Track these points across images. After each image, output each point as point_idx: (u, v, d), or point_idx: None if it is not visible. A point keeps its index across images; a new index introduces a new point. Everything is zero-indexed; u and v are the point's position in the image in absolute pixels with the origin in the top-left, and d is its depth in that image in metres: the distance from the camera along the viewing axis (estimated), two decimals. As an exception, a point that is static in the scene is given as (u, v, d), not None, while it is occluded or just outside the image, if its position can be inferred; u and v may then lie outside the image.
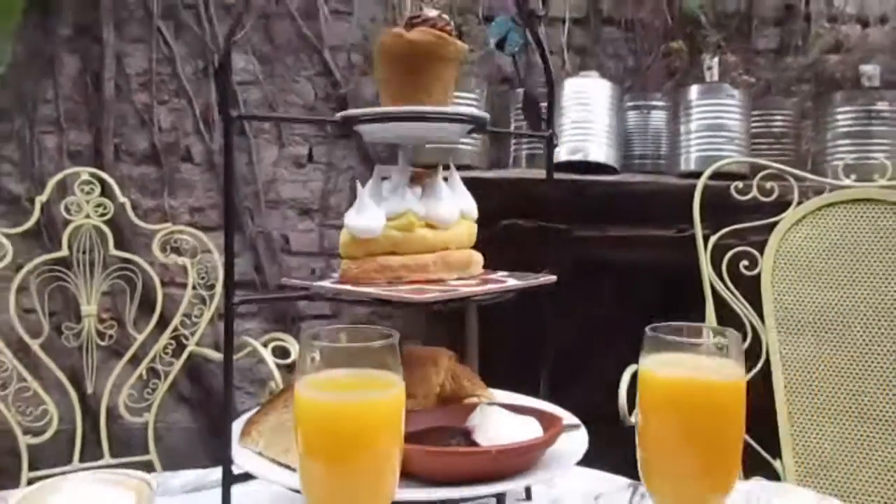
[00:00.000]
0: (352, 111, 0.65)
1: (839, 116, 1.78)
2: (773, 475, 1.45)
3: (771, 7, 2.15)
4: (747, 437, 1.41)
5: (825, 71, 1.81)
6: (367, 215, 0.63)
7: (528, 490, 0.79)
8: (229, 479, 0.63)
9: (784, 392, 1.49)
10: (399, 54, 0.64)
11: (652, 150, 1.97)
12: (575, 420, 0.73)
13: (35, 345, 1.57)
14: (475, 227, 0.74)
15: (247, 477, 0.62)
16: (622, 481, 0.87)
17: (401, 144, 0.72)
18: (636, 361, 0.52)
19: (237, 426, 0.69)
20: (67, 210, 1.60)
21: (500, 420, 0.64)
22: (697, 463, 0.50)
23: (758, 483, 1.28)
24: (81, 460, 1.56)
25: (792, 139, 1.94)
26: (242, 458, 0.64)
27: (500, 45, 1.92)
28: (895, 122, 1.76)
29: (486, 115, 0.71)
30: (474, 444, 0.62)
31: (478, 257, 0.71)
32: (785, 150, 1.91)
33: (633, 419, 1.16)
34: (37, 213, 1.59)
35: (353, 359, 0.49)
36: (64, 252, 1.61)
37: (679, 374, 0.50)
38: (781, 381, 1.49)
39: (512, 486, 0.60)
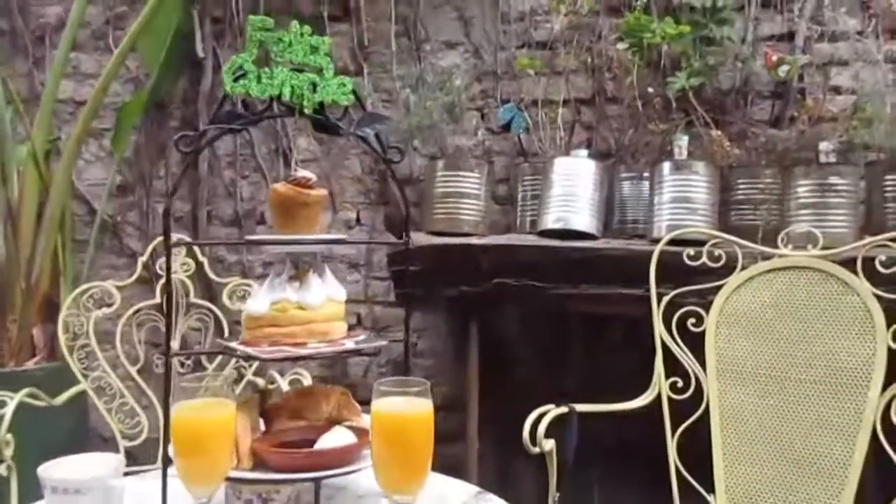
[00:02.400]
0: (252, 238, 1.05)
1: (799, 189, 1.96)
2: (708, 507, 1.67)
3: (766, 82, 2.34)
4: (686, 475, 1.65)
5: (789, 146, 1.99)
6: (257, 301, 1.02)
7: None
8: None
9: (720, 435, 1.70)
10: (276, 201, 1.03)
11: (641, 216, 2.22)
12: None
13: (133, 370, 2.08)
14: (342, 306, 1.10)
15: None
16: (472, 488, 1.18)
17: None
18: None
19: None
20: (160, 268, 2.10)
21: (336, 436, 1.00)
22: (397, 463, 0.83)
23: None
24: (163, 461, 2.04)
25: (773, 206, 2.12)
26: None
27: (507, 126, 2.30)
28: (849, 195, 1.92)
29: (340, 238, 1.08)
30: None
31: (340, 326, 1.07)
32: (759, 217, 2.09)
33: (535, 449, 1.44)
34: (139, 269, 2.11)
35: (204, 391, 0.87)
36: (157, 300, 2.12)
37: (385, 408, 0.84)
38: (718, 426, 1.70)
39: (313, 478, 0.94)
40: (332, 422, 1.11)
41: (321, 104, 1.05)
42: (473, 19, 2.51)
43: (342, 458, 0.96)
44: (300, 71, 1.03)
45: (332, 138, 2.57)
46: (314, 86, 1.04)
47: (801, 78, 2.30)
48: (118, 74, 2.52)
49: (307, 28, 1.04)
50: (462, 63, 2.51)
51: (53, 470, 0.97)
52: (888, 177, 2.03)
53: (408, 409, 0.83)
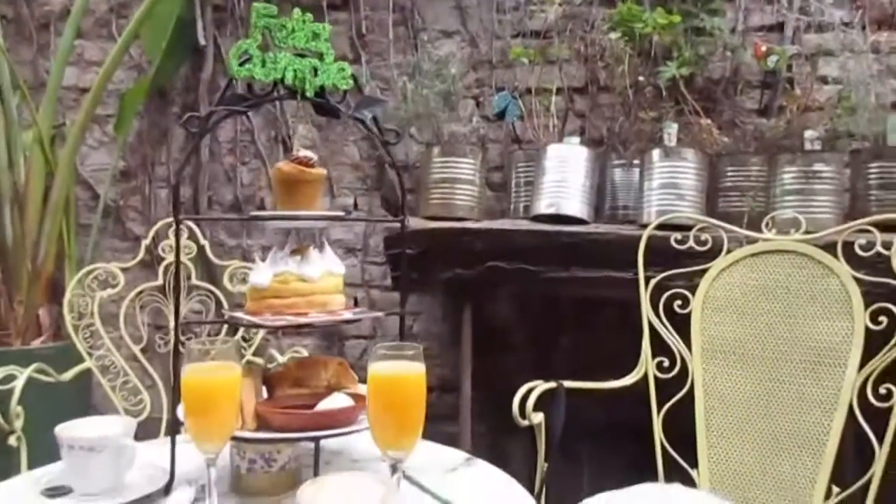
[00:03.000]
0: (257, 213, 1.11)
1: (784, 175, 2.02)
2: (691, 482, 1.73)
3: (756, 72, 2.40)
4: (671, 450, 1.71)
5: (776, 134, 2.06)
6: (261, 274, 1.08)
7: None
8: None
9: (703, 412, 1.76)
10: (279, 179, 1.09)
11: (632, 202, 2.28)
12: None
13: (136, 350, 2.14)
14: (340, 279, 1.16)
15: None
16: (461, 454, 1.25)
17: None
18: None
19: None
20: (163, 250, 2.16)
21: (335, 400, 1.06)
22: (392, 420, 0.89)
23: (657, 485, 1.61)
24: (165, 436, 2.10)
25: (759, 193, 2.18)
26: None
27: (502, 114, 2.35)
28: (833, 182, 1.98)
29: (337, 214, 1.14)
30: (312, 411, 1.05)
31: (338, 298, 1.13)
32: (746, 203, 2.15)
33: (524, 422, 1.51)
34: (142, 252, 2.16)
35: (212, 353, 0.93)
36: (160, 282, 2.17)
37: (381, 370, 0.90)
38: (702, 403, 1.76)
39: (313, 437, 1.00)
40: (331, 389, 1.17)
41: (322, 88, 1.11)
42: (470, 9, 2.56)
43: (340, 419, 1.02)
44: (302, 56, 1.09)
45: (330, 126, 2.63)
46: (315, 70, 1.09)
47: (789, 68, 2.36)
48: (121, 61, 2.57)
49: (309, 15, 1.10)
50: (458, 52, 2.56)
51: (69, 430, 1.03)
52: (872, 164, 2.09)
53: (402, 370, 0.89)
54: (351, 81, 1.13)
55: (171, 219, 2.21)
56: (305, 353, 2.08)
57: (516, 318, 2.49)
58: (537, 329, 2.49)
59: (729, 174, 2.22)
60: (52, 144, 2.49)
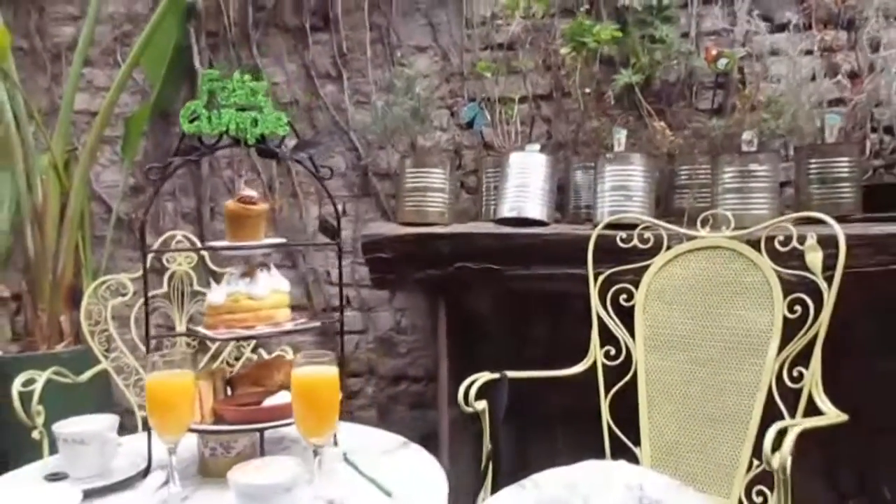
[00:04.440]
0: (211, 243, 1.33)
1: (724, 175, 2.18)
2: (635, 459, 1.91)
3: (710, 74, 2.54)
4: (615, 429, 1.90)
5: (719, 134, 2.21)
6: (216, 294, 1.30)
7: (335, 438, 1.41)
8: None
9: (646, 396, 1.94)
10: (227, 215, 1.31)
11: (592, 201, 2.44)
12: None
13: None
14: (286, 296, 1.37)
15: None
16: (399, 439, 1.47)
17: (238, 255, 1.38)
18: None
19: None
20: (167, 261, 2.40)
21: (279, 397, 1.28)
22: (311, 415, 1.11)
23: (602, 461, 1.80)
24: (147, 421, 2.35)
25: (703, 190, 2.33)
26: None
27: (471, 124, 2.54)
28: (768, 180, 2.13)
29: (279, 242, 1.35)
30: (261, 408, 1.27)
31: (284, 312, 1.35)
32: (701, 200, 2.30)
33: (469, 408, 1.71)
34: (149, 261, 2.41)
35: (170, 364, 1.15)
36: (165, 289, 2.42)
37: (301, 374, 1.11)
38: (644, 387, 1.95)
39: (256, 429, 1.22)
40: (283, 387, 1.39)
41: (262, 135, 1.32)
42: (440, 25, 2.74)
43: (280, 413, 1.24)
44: (243, 110, 1.30)
45: (317, 139, 2.84)
46: (256, 121, 1.31)
47: (740, 69, 2.49)
48: (126, 87, 2.81)
49: (247, 77, 1.31)
50: (432, 65, 2.75)
51: (64, 426, 1.27)
52: (812, 160, 2.23)
53: (318, 373, 1.11)
54: (287, 128, 1.34)
55: (174, 231, 2.47)
56: (290, 350, 2.31)
57: (487, 313, 2.69)
58: (507, 323, 2.69)
59: (681, 173, 2.38)
60: (66, 167, 2.75)
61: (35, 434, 1.87)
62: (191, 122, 1.25)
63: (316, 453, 1.12)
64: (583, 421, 2.48)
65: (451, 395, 2.48)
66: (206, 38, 2.88)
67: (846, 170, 2.17)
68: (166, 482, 1.23)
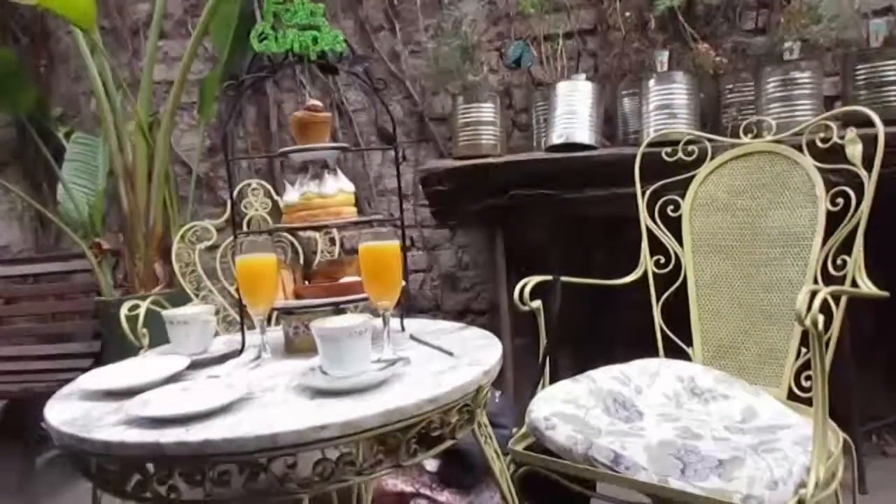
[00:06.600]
0: (284, 149, 1.51)
1: (768, 86, 2.23)
2: (687, 358, 2.01)
3: (752, -6, 2.58)
4: (667, 331, 2.00)
5: (760, 49, 2.25)
6: (290, 194, 1.48)
7: (402, 323, 1.58)
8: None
9: (696, 298, 2.04)
10: (295, 123, 1.48)
11: (640, 126, 2.53)
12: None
13: (231, 289, 2.62)
14: (351, 195, 1.54)
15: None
16: (459, 324, 1.62)
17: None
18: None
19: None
20: (245, 207, 2.62)
21: (350, 278, 1.45)
22: (378, 280, 1.27)
23: (663, 360, 1.91)
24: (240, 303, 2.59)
25: (748, 105, 2.38)
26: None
27: (518, 62, 2.66)
28: (810, 86, 2.17)
29: (342, 146, 1.52)
30: (337, 290, 1.45)
31: (349, 209, 1.51)
32: (747, 115, 2.35)
33: (525, 307, 1.85)
34: (228, 211, 2.64)
35: (255, 248, 1.33)
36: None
37: (368, 245, 1.28)
38: (694, 290, 2.04)
39: (332, 303, 1.40)
40: (353, 280, 1.56)
41: (322, 52, 1.48)
42: (486, -31, 2.86)
43: (352, 288, 1.41)
44: (305, 30, 1.46)
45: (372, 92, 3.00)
46: (316, 39, 1.47)
47: (783, -16, 2.52)
48: (197, 55, 3.04)
49: (307, -1, 1.47)
50: (479, 9, 2.87)
51: (172, 312, 1.48)
52: (858, 67, 2.25)
53: (381, 245, 1.27)
54: (344, 44, 1.50)
55: (249, 181, 2.68)
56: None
57: (546, 240, 2.81)
58: (567, 250, 2.80)
59: (726, 92, 2.44)
60: (150, 130, 3.00)
61: (142, 353, 2.11)
62: (260, 41, 1.43)
63: (385, 321, 1.28)
64: (639, 342, 2.60)
65: (513, 325, 2.62)
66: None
67: (893, 73, 2.19)
68: (258, 357, 1.42)
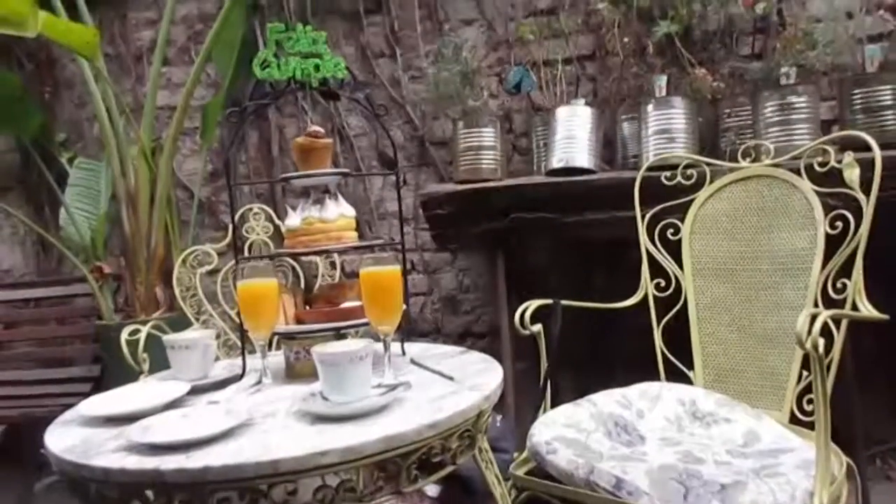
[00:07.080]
0: (286, 175, 1.52)
1: (765, 110, 2.25)
2: (688, 382, 2.00)
3: (749, 20, 2.60)
4: (668, 354, 1.99)
5: (757, 74, 2.28)
6: (292, 218, 1.49)
7: (402, 348, 1.58)
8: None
9: (696, 321, 2.03)
10: (296, 149, 1.50)
11: (639, 150, 2.55)
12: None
13: (233, 313, 2.63)
14: (352, 220, 1.55)
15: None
16: (459, 348, 1.62)
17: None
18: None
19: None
20: (246, 232, 2.63)
21: (350, 302, 1.46)
22: (378, 305, 1.28)
23: (665, 383, 1.90)
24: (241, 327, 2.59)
25: (745, 129, 2.40)
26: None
27: (518, 87, 2.68)
28: (807, 111, 2.19)
29: (343, 171, 1.53)
30: (337, 315, 1.45)
31: (350, 234, 1.52)
32: (744, 139, 2.37)
33: (526, 331, 1.85)
34: (230, 235, 2.65)
35: (256, 272, 1.34)
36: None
37: (369, 270, 1.28)
38: (695, 313, 2.04)
39: (333, 328, 1.40)
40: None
41: (324, 79, 1.50)
42: (485, -3, 2.91)
43: (353, 313, 1.42)
44: (307, 57, 1.48)
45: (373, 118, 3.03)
46: (317, 66, 1.49)
47: (779, 12, 2.55)
48: (200, 81, 3.08)
49: (309, 27, 1.49)
50: (479, 35, 2.91)
51: (173, 337, 1.48)
52: (854, 91, 2.27)
53: (382, 269, 1.28)
54: (345, 71, 1.52)
55: (250, 205, 2.70)
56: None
57: (546, 263, 2.82)
58: (567, 273, 2.80)
59: (723, 116, 2.46)
60: (153, 155, 3.03)
61: (142, 378, 2.11)
62: (262, 69, 1.45)
63: (385, 346, 1.29)
64: (640, 366, 2.60)
65: (513, 348, 2.61)
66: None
67: (889, 97, 2.21)
68: (258, 382, 1.42)
